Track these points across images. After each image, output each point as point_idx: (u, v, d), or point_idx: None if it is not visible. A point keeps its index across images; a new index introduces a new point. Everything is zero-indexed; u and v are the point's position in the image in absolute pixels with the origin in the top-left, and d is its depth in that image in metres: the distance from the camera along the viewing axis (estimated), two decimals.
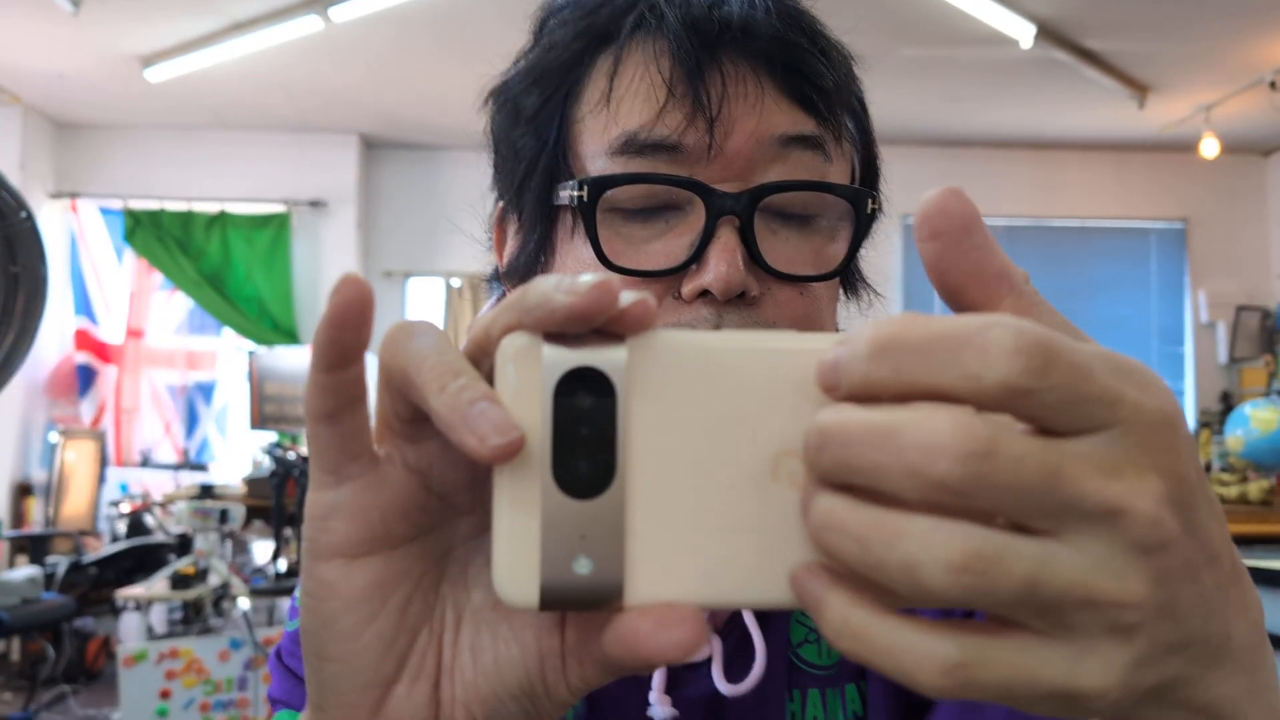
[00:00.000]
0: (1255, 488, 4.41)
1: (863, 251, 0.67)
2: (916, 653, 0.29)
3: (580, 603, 0.33)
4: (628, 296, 0.33)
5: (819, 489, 0.31)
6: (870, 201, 0.64)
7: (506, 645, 0.38)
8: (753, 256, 0.60)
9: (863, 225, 0.64)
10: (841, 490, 0.31)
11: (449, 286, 6.78)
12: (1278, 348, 6.22)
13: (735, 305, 0.60)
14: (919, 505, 0.29)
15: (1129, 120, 6.27)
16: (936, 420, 0.28)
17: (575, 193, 0.61)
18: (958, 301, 0.33)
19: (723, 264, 0.58)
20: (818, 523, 0.31)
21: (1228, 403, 6.26)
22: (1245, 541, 3.76)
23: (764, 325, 0.61)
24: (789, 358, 0.33)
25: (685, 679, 0.68)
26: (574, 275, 0.33)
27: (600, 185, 0.61)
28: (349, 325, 0.34)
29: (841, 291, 0.71)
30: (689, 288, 0.60)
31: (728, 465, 0.33)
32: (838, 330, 0.67)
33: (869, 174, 0.70)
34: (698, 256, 0.60)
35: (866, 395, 0.31)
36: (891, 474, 0.29)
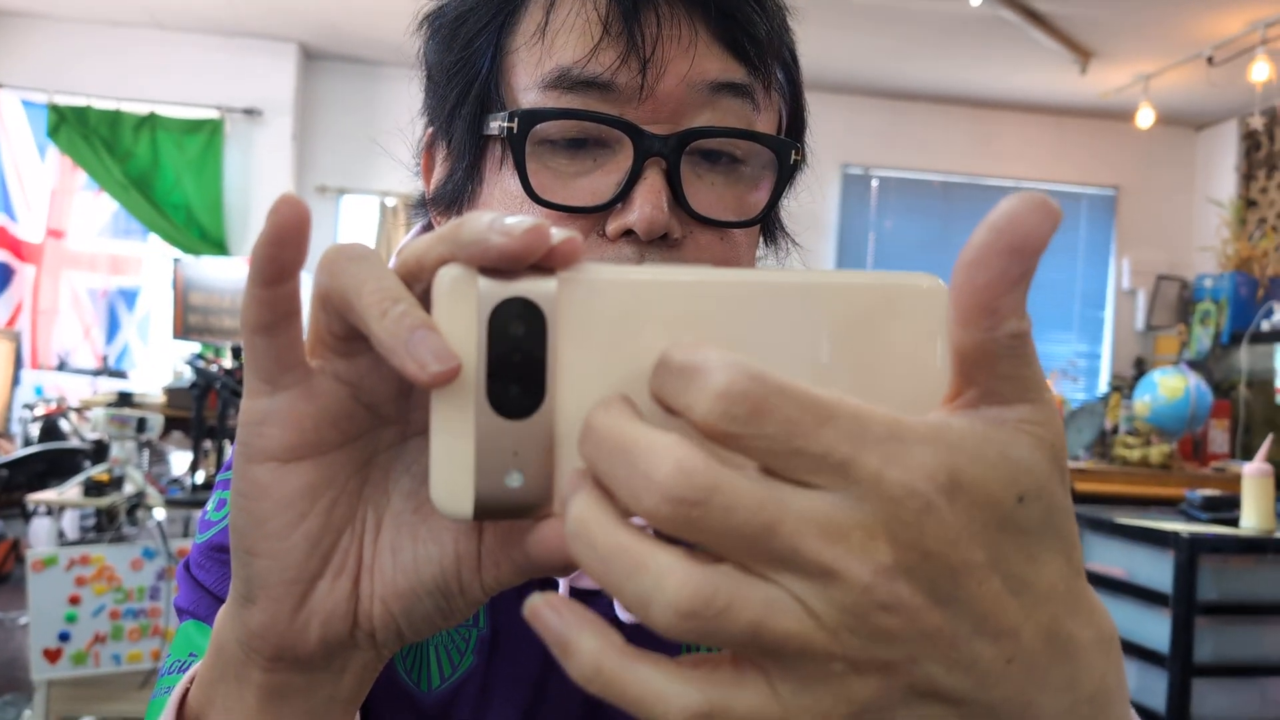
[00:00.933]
0: (1157, 451, 4.58)
1: (793, 200, 0.69)
2: (664, 702, 0.31)
3: (511, 512, 0.36)
4: (557, 234, 0.35)
5: (580, 487, 0.33)
6: (794, 152, 0.66)
7: (424, 545, 0.40)
8: (677, 199, 0.61)
9: (785, 175, 0.66)
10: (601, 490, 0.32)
11: (383, 206, 6.67)
12: (1191, 318, 6.40)
13: (657, 246, 0.61)
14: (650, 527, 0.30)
15: (1070, 85, 6.34)
16: (665, 454, 0.30)
17: (505, 124, 0.62)
18: (951, 295, 0.33)
19: (648, 205, 0.60)
20: (569, 530, 0.32)
21: (1141, 368, 6.45)
22: (1144, 503, 3.92)
23: None
24: (705, 289, 0.35)
25: (586, 604, 0.70)
26: (507, 215, 0.35)
27: (531, 118, 0.61)
28: (287, 243, 0.36)
29: (762, 239, 0.72)
30: (613, 226, 0.61)
31: (647, 389, 0.35)
32: None
33: (795, 125, 0.71)
34: (623, 196, 0.61)
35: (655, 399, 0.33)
36: (619, 489, 0.31)
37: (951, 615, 0.30)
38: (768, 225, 0.73)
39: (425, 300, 0.36)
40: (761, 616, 0.29)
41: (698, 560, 0.30)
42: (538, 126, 0.61)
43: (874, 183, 6.99)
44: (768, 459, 0.30)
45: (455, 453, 0.35)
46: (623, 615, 0.67)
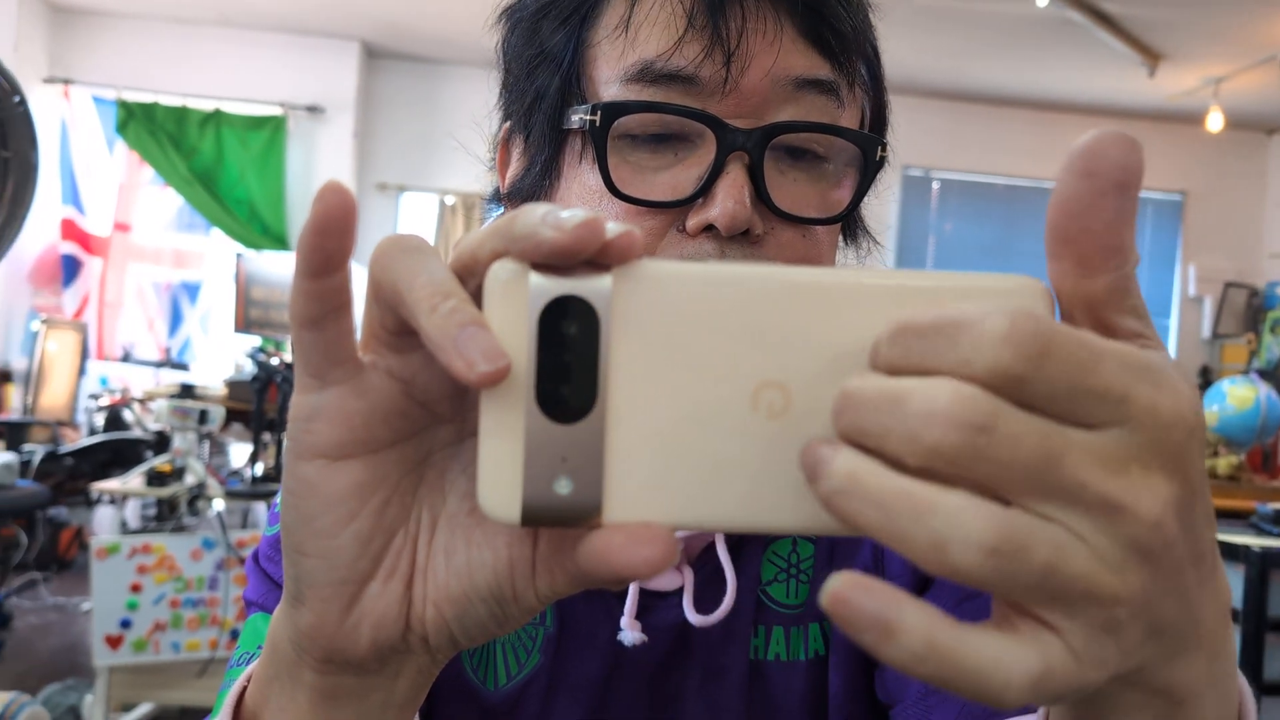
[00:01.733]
0: (1224, 463, 4.47)
1: (864, 199, 0.68)
2: (1005, 669, 0.29)
3: (559, 520, 0.34)
4: (613, 228, 0.33)
5: (839, 446, 0.31)
6: (880, 149, 0.64)
7: (479, 550, 0.39)
8: (759, 195, 0.60)
9: (870, 172, 0.64)
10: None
11: (442, 203, 6.73)
12: (1261, 327, 6.25)
13: (739, 242, 0.60)
14: (919, 473, 0.29)
15: (1137, 87, 6.23)
16: (941, 389, 0.29)
17: (588, 117, 0.61)
18: (1060, 251, 0.33)
19: (730, 200, 0.58)
20: (836, 486, 0.30)
21: (1207, 377, 6.31)
22: None
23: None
24: (769, 289, 0.34)
25: (655, 607, 0.69)
26: (562, 208, 0.33)
27: (614, 111, 0.60)
28: (332, 233, 0.34)
29: (841, 238, 0.71)
30: (694, 221, 0.60)
31: (707, 393, 0.34)
32: None
33: (878, 121, 0.70)
34: (705, 190, 0.60)
35: (893, 374, 0.31)
36: (893, 437, 0.29)
37: (1187, 545, 0.31)
38: (848, 224, 0.71)
39: (480, 296, 0.34)
40: (1056, 556, 0.28)
41: (989, 499, 0.29)
42: (620, 120, 0.60)
43: (934, 185, 6.91)
44: (1051, 401, 0.29)
45: (503, 456, 0.34)
46: (693, 619, 0.66)
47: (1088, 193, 0.31)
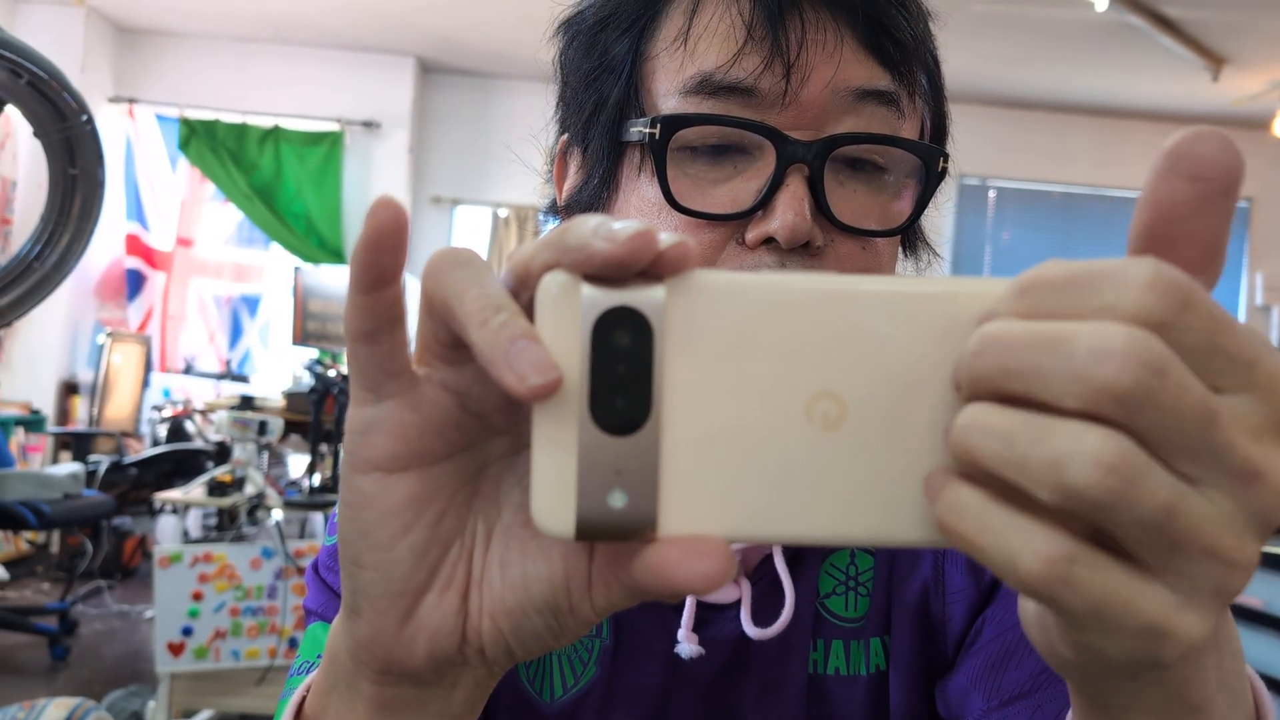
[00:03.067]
0: None
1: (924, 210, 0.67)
2: (1026, 536, 0.29)
3: (614, 534, 0.34)
4: (666, 239, 0.33)
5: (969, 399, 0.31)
6: (941, 160, 0.63)
7: (534, 562, 0.38)
8: (819, 207, 0.60)
9: (931, 183, 0.64)
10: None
11: (496, 216, 6.78)
12: None
13: (798, 254, 0.59)
14: (1075, 413, 0.28)
15: (1200, 92, 6.11)
16: (1112, 329, 0.28)
17: (647, 130, 0.61)
18: (1156, 253, 0.31)
19: (790, 212, 0.58)
20: (962, 423, 0.31)
21: None
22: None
23: None
24: (821, 298, 0.33)
25: (713, 619, 0.68)
26: (615, 220, 0.33)
27: (674, 124, 0.60)
28: (385, 248, 0.34)
29: (900, 250, 0.70)
30: (754, 234, 0.60)
31: (762, 404, 0.33)
32: None
33: (938, 132, 0.69)
34: (765, 203, 0.59)
35: None
36: (1054, 377, 0.29)
37: None
38: (908, 235, 0.70)
39: (532, 309, 0.34)
40: (1178, 500, 0.28)
41: (1107, 429, 0.28)
42: (679, 132, 0.60)
43: (991, 193, 6.83)
44: (1191, 354, 0.29)
45: (557, 469, 0.33)
46: (751, 631, 0.66)
47: (1193, 197, 0.30)
